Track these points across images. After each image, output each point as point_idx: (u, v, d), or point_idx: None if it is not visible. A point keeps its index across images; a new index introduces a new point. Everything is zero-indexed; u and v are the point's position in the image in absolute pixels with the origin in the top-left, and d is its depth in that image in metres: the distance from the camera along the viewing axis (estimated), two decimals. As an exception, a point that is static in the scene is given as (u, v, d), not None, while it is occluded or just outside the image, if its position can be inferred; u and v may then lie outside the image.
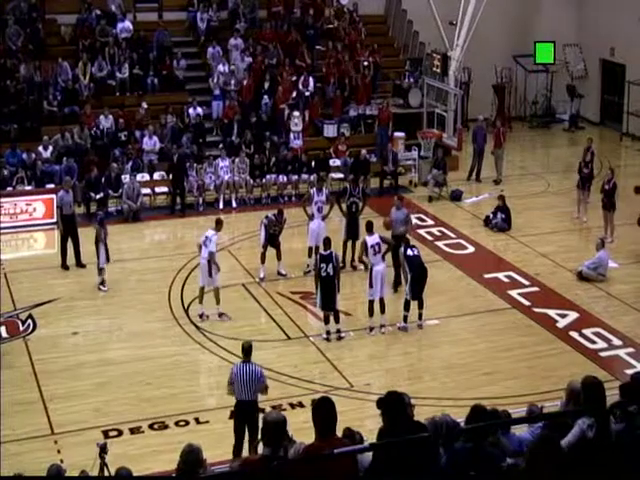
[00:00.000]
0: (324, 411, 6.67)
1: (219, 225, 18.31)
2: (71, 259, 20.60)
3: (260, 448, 7.01)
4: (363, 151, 25.74)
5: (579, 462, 6.84)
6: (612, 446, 7.13)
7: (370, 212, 22.40)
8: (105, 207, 20.73)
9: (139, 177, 24.33)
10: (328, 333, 17.40)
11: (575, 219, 23.49)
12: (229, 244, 21.79)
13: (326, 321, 17.44)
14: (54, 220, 22.54)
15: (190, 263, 20.71)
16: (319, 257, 17.27)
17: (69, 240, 20.61)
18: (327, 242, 17.45)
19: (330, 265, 17.02)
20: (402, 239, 18.70)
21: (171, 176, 24.32)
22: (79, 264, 20.59)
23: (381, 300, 17.57)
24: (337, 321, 17.45)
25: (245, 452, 12.45)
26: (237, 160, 25.00)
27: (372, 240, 17.62)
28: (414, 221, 21.39)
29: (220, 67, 27.59)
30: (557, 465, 6.21)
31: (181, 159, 24.39)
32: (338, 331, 17.46)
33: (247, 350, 13.23)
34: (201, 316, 18.12)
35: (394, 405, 6.87)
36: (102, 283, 19.39)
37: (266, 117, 27.06)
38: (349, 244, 20.27)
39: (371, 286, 17.49)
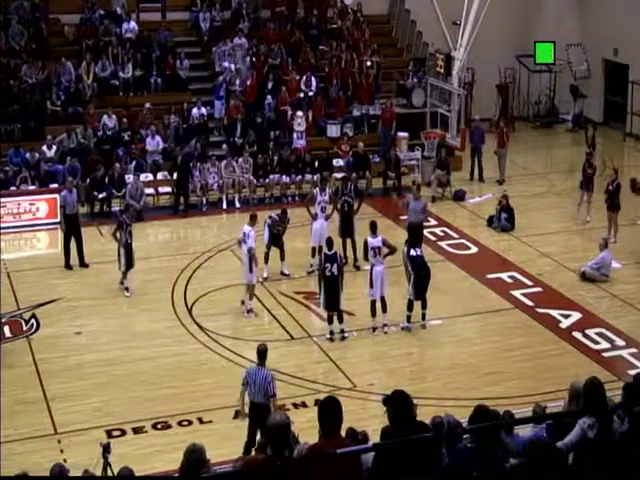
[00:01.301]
0: (329, 411, 6.67)
1: (253, 220, 18.46)
2: (74, 259, 20.60)
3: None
4: (360, 144, 25.89)
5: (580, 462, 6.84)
6: (614, 446, 7.12)
7: (373, 212, 22.45)
8: (128, 210, 20.41)
9: (142, 177, 24.33)
10: (331, 333, 17.41)
11: (577, 220, 23.46)
12: (232, 244, 21.85)
13: (329, 321, 17.44)
14: (57, 220, 22.60)
15: (193, 263, 20.76)
16: (323, 257, 17.27)
17: (72, 240, 20.62)
18: (330, 242, 17.47)
19: (335, 265, 17.03)
20: (419, 228, 20.21)
21: (175, 176, 24.34)
22: (82, 264, 20.59)
23: (382, 299, 17.58)
24: (341, 321, 17.44)
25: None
26: (240, 160, 25.00)
27: (374, 242, 17.64)
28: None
29: (225, 66, 27.59)
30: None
31: (185, 159, 24.41)
32: (342, 331, 17.46)
33: (262, 354, 13.29)
34: (249, 311, 18.25)
35: (400, 404, 6.86)
36: (126, 288, 19.28)
37: (269, 117, 27.07)
38: (348, 242, 20.31)
39: (372, 286, 17.53)
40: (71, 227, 20.64)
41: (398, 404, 6.82)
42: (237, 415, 9.39)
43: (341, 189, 20.69)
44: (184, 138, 25.84)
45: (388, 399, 6.95)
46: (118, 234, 19.14)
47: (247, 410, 13.27)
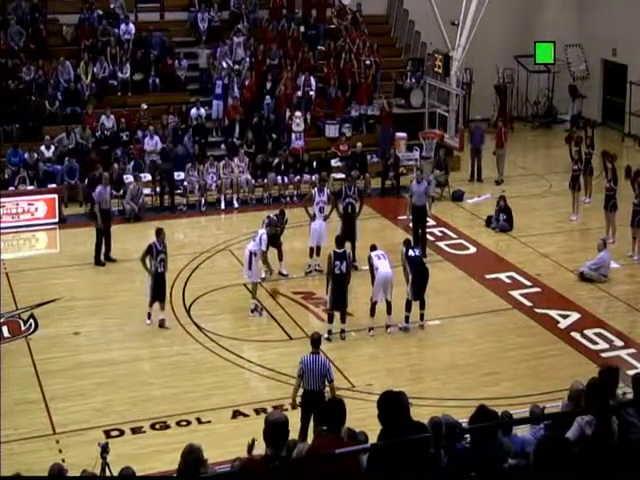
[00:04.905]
0: (330, 411, 6.68)
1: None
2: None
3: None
4: (359, 144, 25.88)
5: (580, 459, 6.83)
6: (615, 445, 7.12)
7: (372, 212, 22.43)
8: (161, 233, 17.82)
9: (141, 177, 24.30)
10: (330, 332, 17.36)
11: (571, 221, 23.57)
12: (231, 244, 21.85)
13: (330, 320, 17.39)
14: (56, 220, 22.70)
15: (191, 263, 20.74)
16: (333, 255, 17.13)
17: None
18: (340, 240, 17.46)
19: (344, 263, 17.00)
20: (422, 210, 20.89)
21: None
22: (108, 259, 20.57)
23: (388, 303, 17.51)
24: (343, 321, 17.39)
25: (310, 438, 12.25)
26: (236, 159, 24.97)
27: (376, 252, 17.66)
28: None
29: (224, 65, 27.58)
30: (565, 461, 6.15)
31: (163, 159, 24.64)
32: (342, 331, 17.43)
33: (316, 341, 13.67)
34: (253, 310, 18.30)
35: (390, 405, 6.85)
36: (148, 315, 17.81)
37: (268, 117, 27.05)
38: (347, 245, 20.26)
39: (373, 285, 17.49)
40: (105, 222, 20.64)
41: (389, 405, 6.81)
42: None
43: (344, 190, 20.60)
44: (182, 138, 25.85)
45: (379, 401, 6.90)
46: (147, 260, 17.55)
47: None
